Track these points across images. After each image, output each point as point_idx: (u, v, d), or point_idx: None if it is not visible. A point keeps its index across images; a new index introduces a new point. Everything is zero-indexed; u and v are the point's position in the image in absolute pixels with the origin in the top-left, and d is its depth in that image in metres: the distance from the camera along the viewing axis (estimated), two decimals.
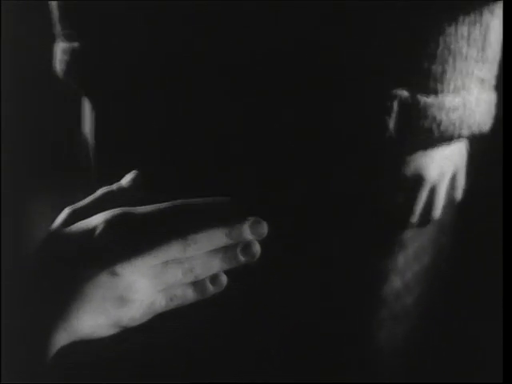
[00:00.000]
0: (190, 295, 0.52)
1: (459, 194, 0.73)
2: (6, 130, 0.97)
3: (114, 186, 0.56)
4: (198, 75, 0.66)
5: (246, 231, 0.51)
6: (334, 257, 0.71)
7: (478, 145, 0.72)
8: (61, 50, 0.74)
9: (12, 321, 0.48)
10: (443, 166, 0.67)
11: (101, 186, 0.57)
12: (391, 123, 0.61)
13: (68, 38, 0.73)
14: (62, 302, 0.48)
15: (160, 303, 0.52)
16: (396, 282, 0.74)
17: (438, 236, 0.77)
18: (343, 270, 0.72)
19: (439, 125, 0.61)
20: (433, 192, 0.68)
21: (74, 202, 0.55)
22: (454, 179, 0.70)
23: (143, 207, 0.51)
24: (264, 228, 0.52)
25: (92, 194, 0.55)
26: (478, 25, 0.62)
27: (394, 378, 0.82)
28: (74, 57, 0.72)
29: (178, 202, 0.52)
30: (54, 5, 0.75)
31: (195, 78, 0.66)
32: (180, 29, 0.65)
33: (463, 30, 0.62)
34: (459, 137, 0.63)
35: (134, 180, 0.56)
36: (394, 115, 0.61)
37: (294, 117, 0.65)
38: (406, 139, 0.63)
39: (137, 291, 0.49)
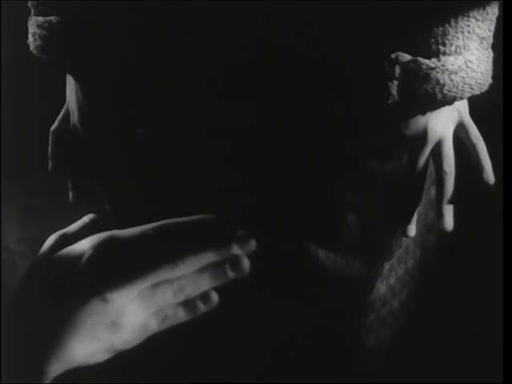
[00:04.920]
0: (181, 315, 0.52)
1: (474, 139, 0.67)
2: None
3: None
4: (187, 50, 0.64)
5: (234, 247, 0.51)
6: (322, 265, 0.71)
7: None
8: (35, 25, 0.69)
9: (2, 351, 0.48)
10: (446, 120, 0.66)
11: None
12: (394, 89, 0.60)
13: (44, 11, 0.68)
14: (53, 332, 0.48)
15: (152, 325, 0.51)
16: (382, 288, 0.74)
17: (424, 236, 0.77)
18: (331, 277, 0.72)
19: (442, 88, 0.60)
20: (440, 146, 0.66)
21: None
22: (461, 127, 0.67)
23: (129, 229, 0.51)
24: (252, 242, 0.51)
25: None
26: None
27: (392, 380, 0.82)
28: (52, 31, 0.67)
29: (164, 222, 0.51)
30: None
31: (183, 52, 0.64)
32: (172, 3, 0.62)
33: None
34: (461, 98, 0.62)
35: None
36: (396, 81, 0.60)
37: (295, 85, 0.63)
38: (410, 104, 0.61)
39: (128, 315, 0.49)
